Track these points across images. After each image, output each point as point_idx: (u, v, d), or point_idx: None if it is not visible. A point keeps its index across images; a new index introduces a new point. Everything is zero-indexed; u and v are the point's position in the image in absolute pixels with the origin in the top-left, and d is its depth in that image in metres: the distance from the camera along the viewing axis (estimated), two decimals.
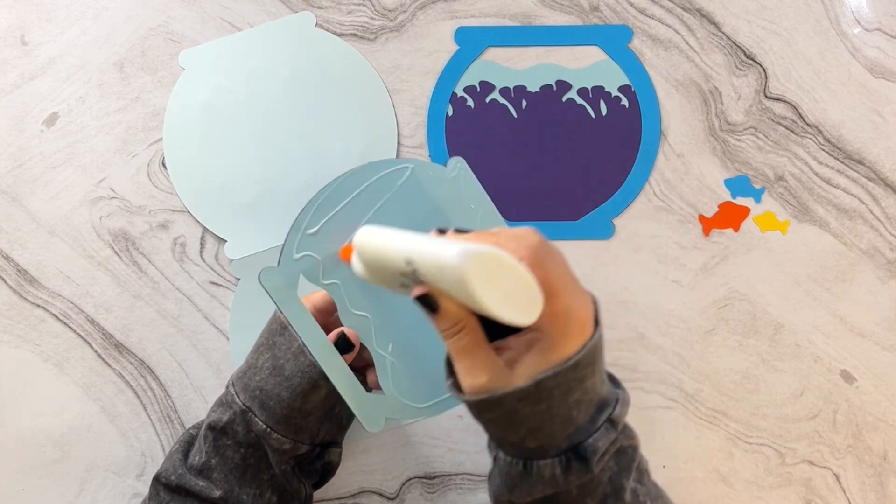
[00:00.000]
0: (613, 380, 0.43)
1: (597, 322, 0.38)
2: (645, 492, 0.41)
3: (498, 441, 0.41)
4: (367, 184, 0.48)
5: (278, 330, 0.48)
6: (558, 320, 0.36)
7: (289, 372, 0.47)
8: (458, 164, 0.51)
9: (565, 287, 0.37)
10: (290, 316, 0.46)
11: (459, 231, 0.39)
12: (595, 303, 0.39)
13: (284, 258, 0.46)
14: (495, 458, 0.42)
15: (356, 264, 0.42)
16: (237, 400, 0.48)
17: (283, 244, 0.47)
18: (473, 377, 0.38)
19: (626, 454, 0.40)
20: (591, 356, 0.37)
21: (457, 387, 0.39)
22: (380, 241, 0.40)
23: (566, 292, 0.37)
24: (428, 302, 0.37)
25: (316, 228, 0.47)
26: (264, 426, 0.47)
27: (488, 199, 0.52)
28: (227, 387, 0.50)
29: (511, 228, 0.38)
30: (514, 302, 0.34)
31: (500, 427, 0.39)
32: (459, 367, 0.38)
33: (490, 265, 0.34)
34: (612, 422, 0.39)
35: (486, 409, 0.38)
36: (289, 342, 0.48)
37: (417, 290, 0.37)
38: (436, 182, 0.50)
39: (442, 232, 0.39)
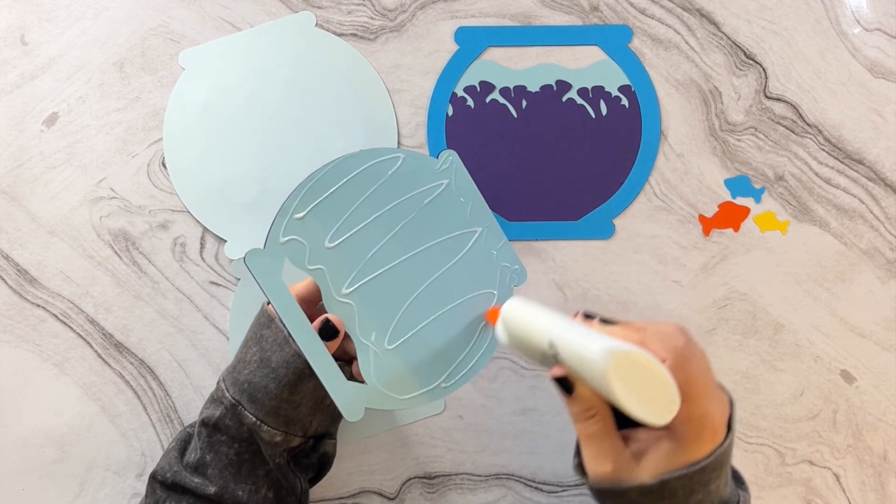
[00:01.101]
0: (738, 478, 0.44)
1: (730, 426, 0.39)
2: None
3: None
4: (358, 171, 0.48)
5: (265, 323, 0.49)
6: (692, 424, 0.37)
7: (275, 363, 0.47)
8: (449, 157, 0.51)
9: (705, 392, 0.37)
10: (274, 299, 0.46)
11: (605, 321, 0.40)
12: (731, 406, 0.40)
13: (270, 241, 0.46)
14: None
15: (500, 332, 0.45)
16: (227, 394, 0.48)
17: (270, 227, 0.47)
18: (599, 465, 0.39)
19: None
20: (718, 462, 0.38)
21: (581, 468, 0.41)
22: (527, 317, 0.43)
23: (704, 398, 0.37)
24: (565, 385, 0.39)
25: (303, 213, 0.47)
26: (254, 419, 0.47)
27: (478, 192, 0.52)
28: (218, 383, 0.50)
29: (657, 325, 0.39)
30: (652, 402, 0.36)
31: None
32: (586, 453, 0.40)
33: (632, 365, 0.35)
34: None
35: (607, 497, 0.39)
36: (275, 334, 0.48)
37: (556, 372, 0.39)
38: (426, 173, 0.50)
39: (588, 318, 0.41)
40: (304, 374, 0.47)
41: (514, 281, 0.53)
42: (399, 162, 0.49)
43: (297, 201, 0.47)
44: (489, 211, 0.52)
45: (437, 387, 0.49)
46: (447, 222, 0.51)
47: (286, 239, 0.47)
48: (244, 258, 0.46)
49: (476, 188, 0.52)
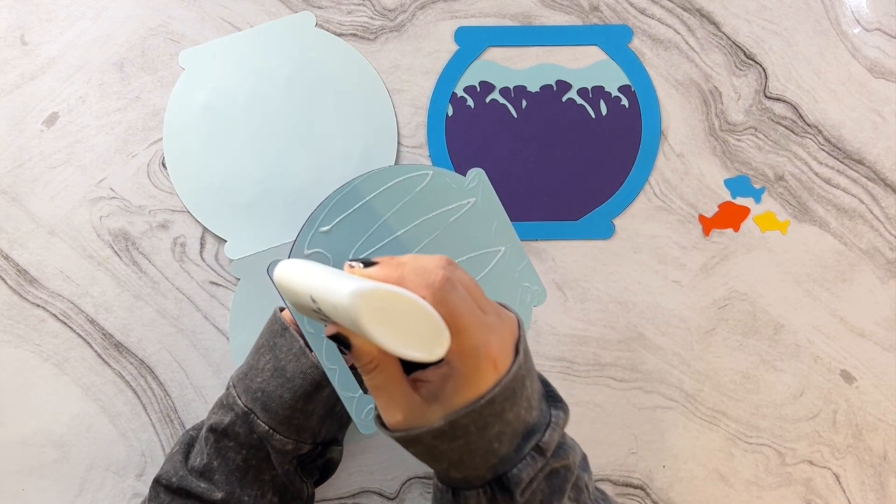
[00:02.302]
0: (552, 395, 0.41)
1: (517, 351, 0.37)
2: None
3: (430, 467, 0.40)
4: (385, 187, 0.48)
5: (279, 331, 0.48)
6: (467, 358, 0.35)
7: (290, 373, 0.47)
8: (477, 176, 0.51)
9: (472, 323, 0.35)
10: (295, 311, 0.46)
11: (367, 264, 0.37)
12: (518, 329, 0.38)
13: (295, 253, 0.47)
14: (434, 477, 0.42)
15: (282, 299, 0.42)
16: (239, 402, 0.48)
17: (296, 239, 0.47)
18: (390, 414, 0.37)
19: (559, 475, 0.39)
20: (508, 390, 0.36)
21: (380, 420, 0.39)
22: (294, 277, 0.39)
23: (474, 329, 0.35)
24: (340, 340, 0.36)
25: (329, 227, 0.47)
26: (267, 428, 0.47)
27: (504, 211, 0.51)
28: (228, 388, 0.50)
29: (419, 258, 0.37)
30: (417, 339, 0.33)
31: (424, 459, 0.39)
32: (378, 404, 0.38)
33: (386, 303, 0.33)
34: (539, 449, 0.37)
35: (406, 444, 0.38)
36: (290, 343, 0.48)
37: (330, 329, 0.36)
38: (453, 191, 0.50)
39: (354, 262, 0.38)
40: (320, 384, 0.47)
41: (534, 301, 0.53)
42: (427, 178, 0.49)
43: (325, 214, 0.47)
44: (513, 230, 0.52)
45: None
46: (472, 240, 0.51)
47: (311, 251, 0.47)
48: (267, 269, 0.45)
49: (502, 207, 0.51)
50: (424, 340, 0.34)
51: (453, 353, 0.35)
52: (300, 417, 0.48)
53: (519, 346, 0.37)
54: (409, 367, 0.38)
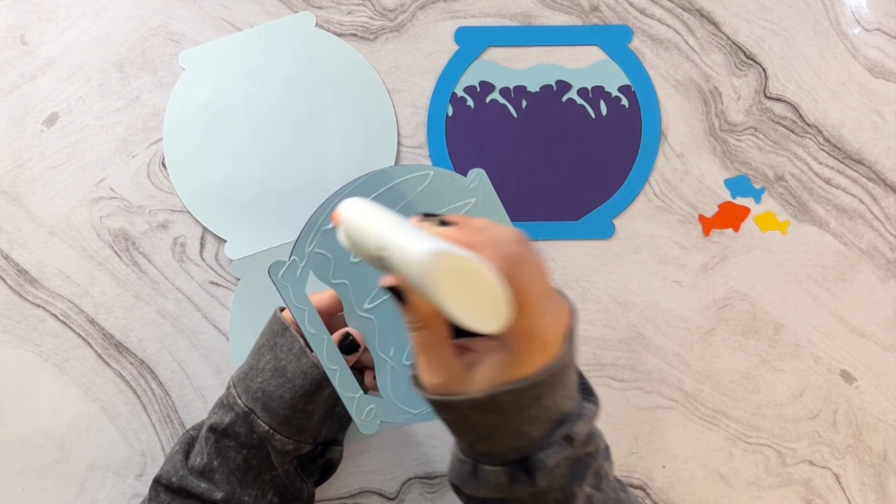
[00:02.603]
0: (586, 388, 0.41)
1: (567, 340, 0.37)
2: (602, 498, 0.40)
3: (455, 437, 0.40)
4: (387, 187, 0.48)
5: (279, 331, 0.48)
6: (522, 337, 0.35)
7: (291, 373, 0.47)
8: (478, 176, 0.50)
9: (535, 304, 0.35)
10: (296, 311, 0.46)
11: (444, 223, 0.37)
12: (571, 318, 0.38)
13: (296, 253, 0.47)
14: (454, 448, 0.42)
15: (341, 236, 0.40)
16: (239, 402, 0.48)
17: (297, 238, 0.47)
18: (431, 375, 0.37)
19: (582, 462, 0.39)
20: (553, 376, 0.36)
21: (417, 380, 0.39)
22: (359, 218, 0.38)
23: (536, 309, 0.35)
24: (397, 293, 0.36)
25: (331, 226, 0.47)
26: (267, 427, 0.47)
27: (504, 212, 0.51)
28: (228, 388, 0.50)
29: (495, 229, 0.36)
30: (480, 308, 0.33)
31: (453, 428, 0.39)
32: (419, 363, 0.38)
33: (459, 269, 0.32)
34: (569, 438, 0.38)
35: (439, 408, 0.38)
36: (290, 343, 0.48)
37: (387, 280, 0.36)
38: (454, 191, 0.50)
39: (428, 217, 0.37)
40: (321, 384, 0.47)
41: None
42: (428, 179, 0.49)
43: (325, 215, 0.47)
44: None
45: None
46: None
47: (312, 251, 0.47)
48: (268, 270, 0.46)
49: (503, 208, 0.51)
50: (486, 311, 0.33)
51: (509, 330, 0.34)
52: (301, 417, 0.48)
53: (569, 335, 0.37)
54: (456, 332, 0.37)
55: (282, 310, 0.51)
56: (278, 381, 0.47)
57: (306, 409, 0.48)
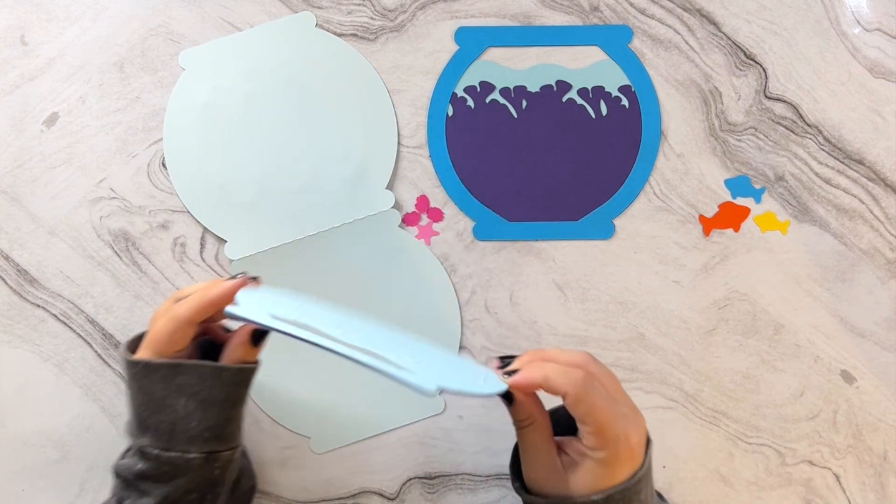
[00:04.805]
0: (660, 496, 0.48)
1: (648, 440, 0.43)
2: None
3: None
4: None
5: (170, 373, 0.45)
6: (609, 446, 0.40)
7: (219, 394, 0.46)
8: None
9: (610, 417, 0.40)
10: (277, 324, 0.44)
11: (508, 362, 0.43)
12: (645, 426, 0.43)
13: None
14: None
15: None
16: (194, 457, 0.46)
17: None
18: (534, 470, 0.43)
19: None
20: (646, 475, 0.42)
21: (518, 484, 0.44)
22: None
23: (612, 422, 0.40)
24: (507, 395, 0.42)
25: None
26: (226, 450, 0.47)
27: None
28: (172, 462, 0.46)
29: (562, 354, 0.42)
30: None
31: None
32: (524, 459, 0.43)
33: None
34: None
35: None
36: (194, 371, 0.45)
37: (505, 385, 0.42)
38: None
39: (503, 361, 0.44)
40: (245, 380, 0.47)
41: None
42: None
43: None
44: None
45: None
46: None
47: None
48: (225, 311, 0.45)
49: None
50: None
51: (596, 442, 0.40)
52: (235, 422, 0.48)
53: (648, 441, 0.43)
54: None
55: (133, 350, 0.47)
56: (214, 409, 0.46)
57: (237, 413, 0.48)
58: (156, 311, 0.48)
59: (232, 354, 0.47)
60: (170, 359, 0.45)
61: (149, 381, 0.45)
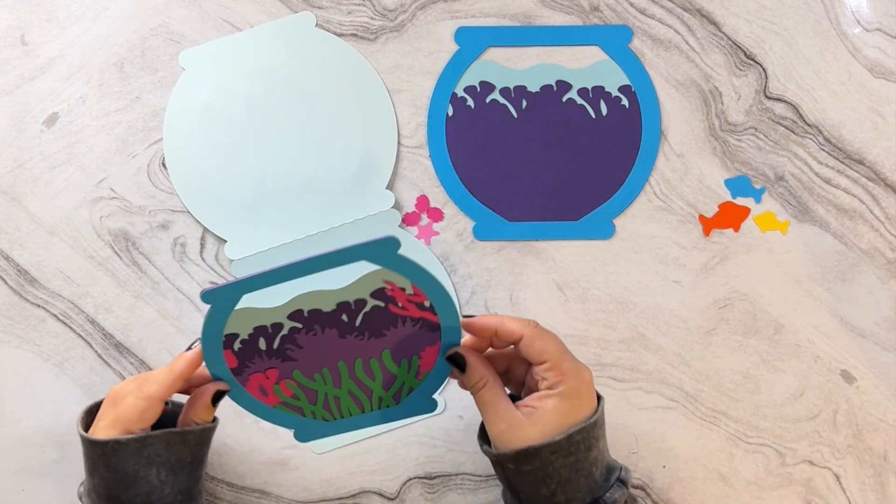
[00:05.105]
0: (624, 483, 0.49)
1: (599, 396, 0.46)
2: None
3: (529, 499, 0.45)
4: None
5: (137, 447, 0.46)
6: (570, 379, 0.43)
7: (190, 455, 0.48)
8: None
9: (568, 353, 0.44)
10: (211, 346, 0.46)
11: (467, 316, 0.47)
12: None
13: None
14: None
15: None
16: None
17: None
18: (495, 425, 0.44)
19: (636, 502, 0.48)
20: (601, 418, 0.45)
21: (485, 444, 0.46)
22: None
23: (571, 359, 0.44)
24: (457, 361, 0.46)
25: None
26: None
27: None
28: None
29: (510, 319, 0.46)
30: None
31: (535, 480, 0.44)
32: (485, 418, 0.45)
33: None
34: (621, 481, 0.45)
35: (524, 460, 0.43)
36: (160, 441, 0.46)
37: (450, 351, 0.46)
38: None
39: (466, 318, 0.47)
40: (207, 437, 0.50)
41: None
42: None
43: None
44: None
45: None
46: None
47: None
48: (201, 294, 0.45)
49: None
50: None
51: (555, 376, 0.43)
52: (196, 483, 0.50)
53: (599, 395, 0.46)
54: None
55: (86, 429, 0.48)
56: (185, 473, 0.48)
57: (202, 471, 0.51)
58: (113, 390, 0.48)
59: (194, 416, 0.48)
60: (137, 434, 0.46)
61: (118, 458, 0.46)
